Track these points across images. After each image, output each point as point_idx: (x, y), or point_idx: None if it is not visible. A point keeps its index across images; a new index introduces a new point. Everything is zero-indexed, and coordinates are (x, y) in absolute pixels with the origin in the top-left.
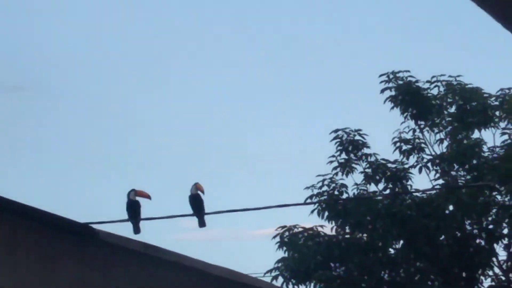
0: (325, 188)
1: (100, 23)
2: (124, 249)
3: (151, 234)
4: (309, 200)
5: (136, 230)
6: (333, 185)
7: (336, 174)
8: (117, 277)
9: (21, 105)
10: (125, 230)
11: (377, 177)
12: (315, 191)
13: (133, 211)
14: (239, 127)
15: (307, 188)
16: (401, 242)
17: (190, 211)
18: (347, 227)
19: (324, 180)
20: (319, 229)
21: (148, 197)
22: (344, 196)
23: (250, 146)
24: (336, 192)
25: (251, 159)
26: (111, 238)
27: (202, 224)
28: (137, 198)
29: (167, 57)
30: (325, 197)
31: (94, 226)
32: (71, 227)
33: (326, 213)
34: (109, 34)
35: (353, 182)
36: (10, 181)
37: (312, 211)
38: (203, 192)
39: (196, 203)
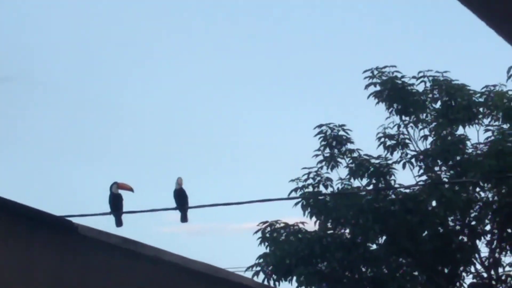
0: (310, 181)
1: (86, 12)
2: (103, 243)
3: (135, 227)
4: (293, 194)
5: (118, 223)
6: (318, 178)
7: (321, 168)
8: (96, 271)
9: (8, 96)
10: (104, 223)
11: (361, 172)
12: (300, 184)
13: (116, 204)
14: (224, 120)
15: (292, 181)
16: (384, 237)
17: (173, 205)
18: (329, 223)
19: (309, 173)
20: (301, 226)
21: (131, 189)
22: (329, 189)
23: (236, 139)
24: (321, 186)
25: (237, 153)
26: (90, 232)
27: (184, 219)
28: (120, 191)
29: (153, 44)
30: (310, 189)
31: (74, 219)
32: (49, 221)
33: (309, 210)
34: (95, 24)
35: (338, 176)
36: None
37: (296, 204)
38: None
39: (181, 197)
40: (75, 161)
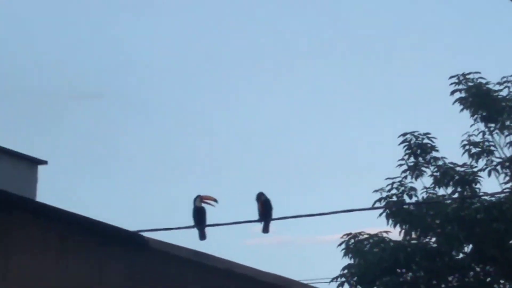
0: (394, 191)
1: (178, 31)
2: (175, 257)
3: (219, 240)
4: (377, 204)
5: (202, 236)
6: (402, 188)
7: (406, 177)
8: (167, 285)
9: (100, 113)
10: (177, 237)
11: (445, 181)
12: (384, 194)
13: (199, 218)
14: (308, 131)
15: (376, 191)
16: (470, 246)
17: (256, 218)
18: (413, 233)
19: (393, 183)
20: (384, 234)
21: (215, 200)
22: (413, 199)
23: (321, 150)
24: (405, 196)
25: (320, 163)
26: (161, 245)
27: (266, 229)
28: (203, 204)
29: (244, 63)
30: (394, 199)
31: (145, 234)
32: (120, 235)
33: (391, 220)
34: (187, 40)
35: (422, 185)
36: (83, 190)
37: (380, 215)
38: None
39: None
40: (161, 177)
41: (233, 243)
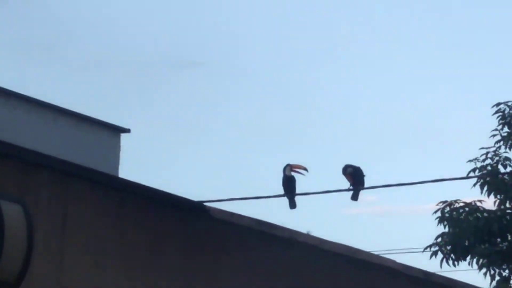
0: (488, 161)
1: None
2: (236, 226)
3: (313, 210)
4: (471, 174)
5: (292, 205)
6: (497, 158)
7: (500, 147)
8: (228, 254)
9: (198, 82)
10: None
11: None
12: (478, 165)
13: (289, 187)
14: (402, 100)
15: (470, 161)
16: None
17: (346, 186)
18: (508, 202)
19: (487, 153)
20: (479, 204)
21: (305, 169)
22: (508, 169)
23: (415, 120)
24: (500, 166)
25: (420, 133)
26: (222, 214)
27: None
28: (293, 173)
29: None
30: (489, 169)
31: (211, 203)
32: (180, 204)
33: (485, 189)
34: (291, 14)
35: None
36: (170, 159)
37: (474, 185)
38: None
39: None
40: (252, 146)
41: (332, 212)
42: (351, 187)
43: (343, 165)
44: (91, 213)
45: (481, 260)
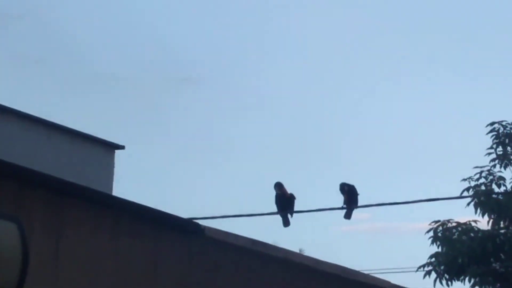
0: (482, 180)
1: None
2: (231, 245)
3: (308, 228)
4: (465, 193)
5: (286, 223)
6: (491, 177)
7: (494, 166)
8: (223, 273)
9: (193, 98)
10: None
11: None
12: (472, 183)
13: (281, 204)
14: (396, 119)
15: (464, 180)
16: None
17: (339, 204)
18: (501, 222)
19: (481, 172)
20: (473, 224)
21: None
22: (502, 188)
23: (410, 138)
24: (493, 185)
25: (414, 151)
26: (217, 234)
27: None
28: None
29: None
30: (482, 188)
31: (201, 221)
32: (176, 223)
33: (479, 209)
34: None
35: (511, 175)
36: (165, 175)
37: (468, 204)
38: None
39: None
40: (244, 164)
41: (324, 230)
42: (344, 206)
43: (338, 184)
44: (86, 231)
45: (473, 280)
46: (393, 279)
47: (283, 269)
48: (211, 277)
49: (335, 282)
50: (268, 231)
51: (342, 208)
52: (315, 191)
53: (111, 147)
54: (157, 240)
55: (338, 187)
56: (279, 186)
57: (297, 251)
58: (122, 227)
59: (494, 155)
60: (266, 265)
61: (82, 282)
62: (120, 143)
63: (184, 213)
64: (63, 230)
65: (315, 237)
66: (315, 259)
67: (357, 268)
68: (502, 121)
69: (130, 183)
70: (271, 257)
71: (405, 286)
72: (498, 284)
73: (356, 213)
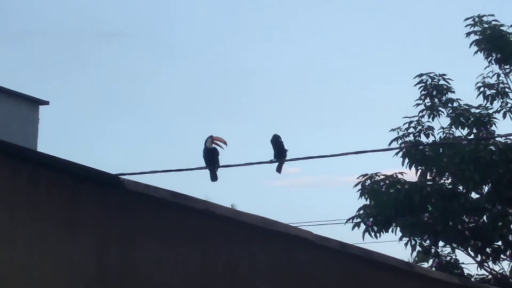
0: (411, 130)
1: None
2: (151, 198)
3: (241, 182)
4: (394, 143)
5: (214, 177)
6: (419, 127)
7: (423, 116)
8: (144, 226)
9: (119, 53)
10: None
11: (461, 122)
12: (401, 133)
13: (210, 159)
14: (323, 72)
15: (393, 130)
16: (485, 187)
17: (269, 158)
18: (428, 173)
19: (410, 122)
20: (400, 176)
21: (224, 142)
22: (431, 139)
23: (339, 91)
24: (422, 135)
25: (344, 104)
26: (137, 186)
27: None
28: (214, 146)
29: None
30: (411, 139)
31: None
32: (94, 176)
33: (407, 160)
34: None
35: (439, 125)
36: (88, 130)
37: (396, 154)
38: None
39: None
40: (172, 118)
41: (255, 185)
42: (274, 159)
43: (266, 137)
44: (1, 186)
45: (402, 231)
46: (322, 231)
47: (203, 221)
48: (130, 230)
49: (256, 232)
50: (201, 186)
51: (270, 161)
52: (244, 145)
53: (35, 102)
54: (76, 194)
55: (267, 141)
56: (210, 140)
57: (229, 206)
58: (40, 181)
59: (422, 107)
60: (187, 217)
61: None
62: (45, 99)
63: (110, 170)
64: None
65: (246, 193)
66: (236, 210)
67: (286, 222)
68: (430, 73)
69: (55, 139)
70: (191, 209)
71: (330, 237)
72: (426, 236)
73: (286, 167)
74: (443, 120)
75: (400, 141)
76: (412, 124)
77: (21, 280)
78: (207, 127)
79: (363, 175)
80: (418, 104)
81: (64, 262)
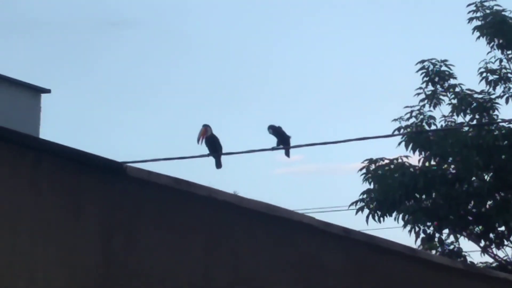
0: (412, 119)
1: None
2: (154, 184)
3: (238, 169)
4: (396, 132)
5: (218, 165)
6: (421, 116)
7: (424, 106)
8: (146, 212)
9: (124, 42)
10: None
11: (463, 108)
12: (403, 123)
13: (212, 146)
14: (326, 60)
15: (395, 120)
16: (490, 173)
17: (272, 145)
18: (432, 159)
19: (412, 111)
20: (404, 159)
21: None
22: (432, 127)
23: (342, 78)
24: (424, 124)
25: (346, 92)
26: (139, 173)
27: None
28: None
29: None
30: (413, 128)
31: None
32: (97, 163)
33: (411, 146)
34: None
35: (440, 114)
36: (93, 118)
37: (399, 144)
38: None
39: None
40: (174, 107)
41: (259, 172)
42: (280, 146)
43: (267, 125)
44: (4, 174)
45: (406, 217)
46: (326, 218)
47: (206, 207)
48: (134, 216)
49: (259, 218)
50: (205, 174)
51: (273, 148)
52: (249, 134)
53: (37, 91)
54: (79, 181)
55: (267, 130)
56: (205, 129)
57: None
58: (43, 169)
59: (423, 95)
60: (190, 203)
61: (0, 226)
62: (47, 87)
63: (113, 157)
64: None
65: (250, 180)
66: (239, 196)
67: (290, 209)
68: (431, 59)
69: (57, 127)
70: (194, 195)
71: (334, 223)
72: (429, 222)
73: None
74: (445, 108)
75: (402, 131)
76: (414, 113)
77: (24, 267)
78: (212, 116)
79: (368, 160)
80: (419, 93)
81: (68, 249)
